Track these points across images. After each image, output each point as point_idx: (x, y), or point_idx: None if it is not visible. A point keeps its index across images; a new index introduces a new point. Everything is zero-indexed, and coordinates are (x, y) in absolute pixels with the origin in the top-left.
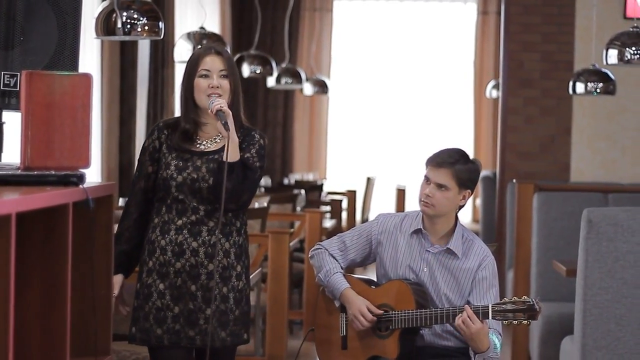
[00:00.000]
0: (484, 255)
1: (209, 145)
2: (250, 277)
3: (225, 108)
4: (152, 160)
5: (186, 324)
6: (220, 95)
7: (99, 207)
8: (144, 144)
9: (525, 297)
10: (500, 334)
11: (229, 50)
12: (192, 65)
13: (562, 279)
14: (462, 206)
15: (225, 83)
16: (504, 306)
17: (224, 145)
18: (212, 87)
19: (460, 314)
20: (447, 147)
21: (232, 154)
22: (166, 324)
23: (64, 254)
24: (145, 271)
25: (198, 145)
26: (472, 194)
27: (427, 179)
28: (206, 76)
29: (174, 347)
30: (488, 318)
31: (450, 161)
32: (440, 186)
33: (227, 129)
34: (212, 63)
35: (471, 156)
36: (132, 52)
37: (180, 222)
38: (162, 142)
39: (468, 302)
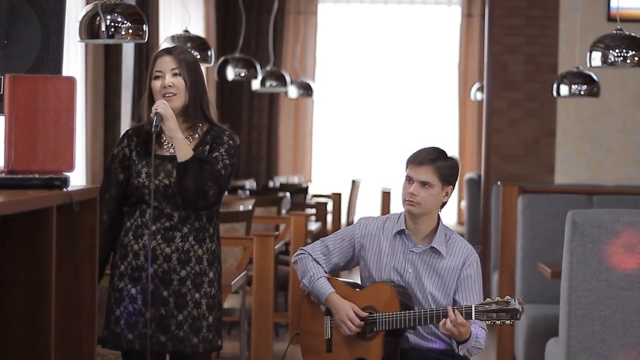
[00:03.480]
0: (468, 253)
1: None
2: (236, 280)
3: (163, 110)
4: (122, 167)
5: (158, 329)
6: (175, 95)
7: (83, 211)
8: (113, 152)
9: (508, 297)
10: (482, 328)
11: (211, 54)
12: (150, 68)
13: (547, 281)
14: (445, 203)
15: (179, 81)
16: (487, 306)
17: (195, 148)
18: (164, 87)
19: (445, 317)
20: (425, 146)
21: (182, 153)
22: (137, 328)
23: (48, 257)
24: (117, 275)
25: (167, 149)
26: (453, 189)
27: (409, 179)
28: (159, 77)
29: (143, 352)
30: (471, 318)
31: (430, 158)
32: (423, 184)
33: (154, 132)
34: (163, 63)
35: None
36: (117, 55)
37: (154, 227)
38: (131, 150)
39: (454, 301)
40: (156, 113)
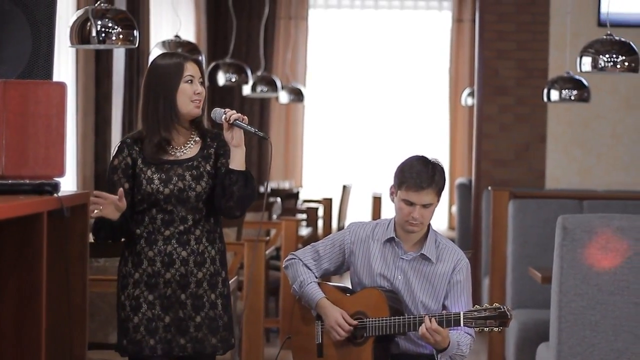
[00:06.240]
0: (458, 258)
1: (184, 151)
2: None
3: (241, 115)
4: (126, 177)
5: (177, 332)
6: (200, 102)
7: (73, 216)
8: (112, 163)
9: (497, 303)
10: (468, 334)
11: (202, 59)
12: (176, 71)
13: (538, 286)
14: None
15: (203, 91)
16: (475, 313)
17: (200, 150)
18: (197, 94)
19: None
20: (407, 159)
21: (240, 163)
22: (158, 333)
23: (39, 262)
24: (132, 283)
25: (173, 153)
26: None
27: (409, 203)
28: (191, 81)
29: (164, 357)
30: (460, 325)
31: (428, 178)
32: (425, 205)
33: (265, 137)
34: (194, 70)
35: (445, 164)
36: (107, 60)
37: (167, 232)
38: (135, 158)
39: (444, 306)
40: (236, 120)
